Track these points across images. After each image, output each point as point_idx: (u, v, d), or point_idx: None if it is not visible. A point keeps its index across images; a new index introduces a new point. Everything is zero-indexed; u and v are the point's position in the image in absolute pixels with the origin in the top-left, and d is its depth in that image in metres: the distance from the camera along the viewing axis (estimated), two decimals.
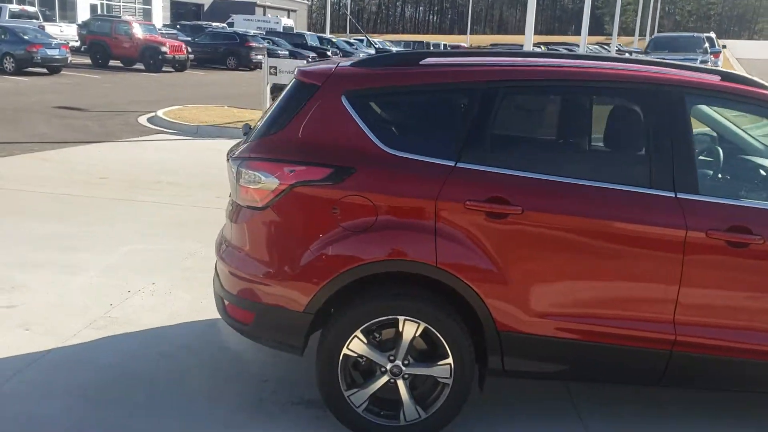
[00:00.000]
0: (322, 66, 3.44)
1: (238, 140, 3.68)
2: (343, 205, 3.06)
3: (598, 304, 3.10)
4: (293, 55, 29.04)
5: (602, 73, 3.26)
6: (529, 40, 13.97)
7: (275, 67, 12.96)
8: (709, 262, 3.06)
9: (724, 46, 20.42)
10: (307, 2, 72.96)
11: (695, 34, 24.29)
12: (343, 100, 3.19)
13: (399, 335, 3.14)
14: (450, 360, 3.13)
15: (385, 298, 3.13)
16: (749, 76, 3.44)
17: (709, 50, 20.58)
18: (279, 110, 3.35)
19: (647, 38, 43.61)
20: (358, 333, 3.12)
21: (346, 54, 37.40)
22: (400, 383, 3.18)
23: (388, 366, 3.17)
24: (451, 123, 3.29)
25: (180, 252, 5.72)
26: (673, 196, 3.06)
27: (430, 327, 3.09)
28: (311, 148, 3.15)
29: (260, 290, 3.20)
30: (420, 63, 3.30)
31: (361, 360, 3.20)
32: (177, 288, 4.96)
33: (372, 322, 3.11)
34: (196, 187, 8.12)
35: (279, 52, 29.15)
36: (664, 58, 4.32)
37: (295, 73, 3.45)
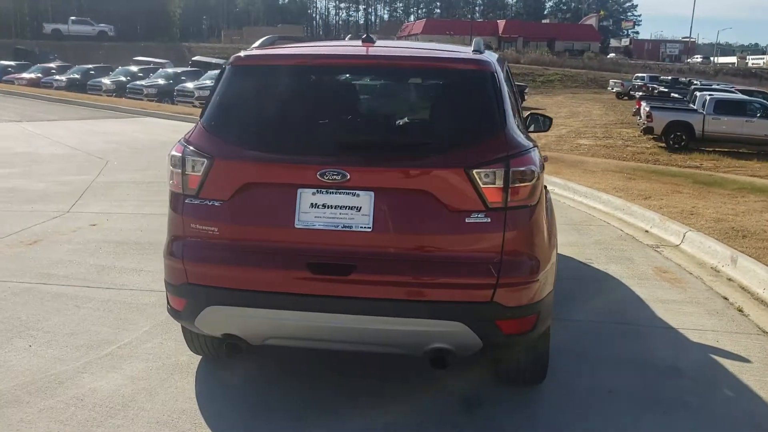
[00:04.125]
0: (474, 54, 3.44)
1: None
2: None
3: None
4: None
5: None
6: None
7: None
8: None
9: None
10: None
11: None
12: None
13: None
14: None
15: None
16: None
17: None
18: (477, 103, 3.22)
19: None
20: None
21: None
22: None
23: None
24: None
25: None
26: None
27: None
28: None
29: (541, 285, 3.21)
30: None
31: None
32: None
33: None
34: None
35: None
36: None
37: (464, 63, 3.35)
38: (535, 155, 3.27)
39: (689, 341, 4.62)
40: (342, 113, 3.55)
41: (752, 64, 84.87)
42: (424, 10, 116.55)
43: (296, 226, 3.11)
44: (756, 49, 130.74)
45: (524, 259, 3.14)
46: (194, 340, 3.88)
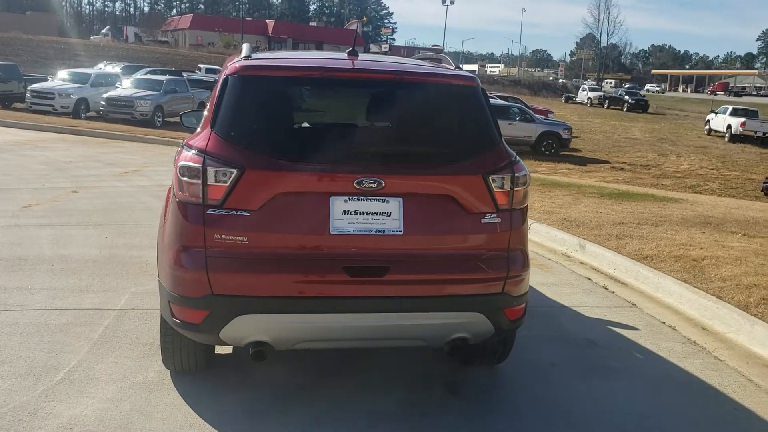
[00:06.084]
0: (460, 71, 3.82)
1: None
2: None
3: None
4: None
5: None
6: None
7: None
8: None
9: None
10: None
11: None
12: None
13: None
14: None
15: None
16: None
17: None
18: (479, 115, 3.55)
19: None
20: None
21: None
22: None
23: None
24: None
25: None
26: None
27: None
28: None
29: (528, 277, 3.70)
30: None
31: None
32: None
33: None
34: None
35: None
36: None
37: (463, 79, 3.63)
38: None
39: (585, 317, 5.41)
40: (362, 124, 3.68)
41: (490, 72, 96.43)
42: (187, 4, 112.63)
43: (331, 233, 3.22)
44: (492, 58, 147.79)
45: (521, 254, 3.57)
46: (178, 355, 3.73)
